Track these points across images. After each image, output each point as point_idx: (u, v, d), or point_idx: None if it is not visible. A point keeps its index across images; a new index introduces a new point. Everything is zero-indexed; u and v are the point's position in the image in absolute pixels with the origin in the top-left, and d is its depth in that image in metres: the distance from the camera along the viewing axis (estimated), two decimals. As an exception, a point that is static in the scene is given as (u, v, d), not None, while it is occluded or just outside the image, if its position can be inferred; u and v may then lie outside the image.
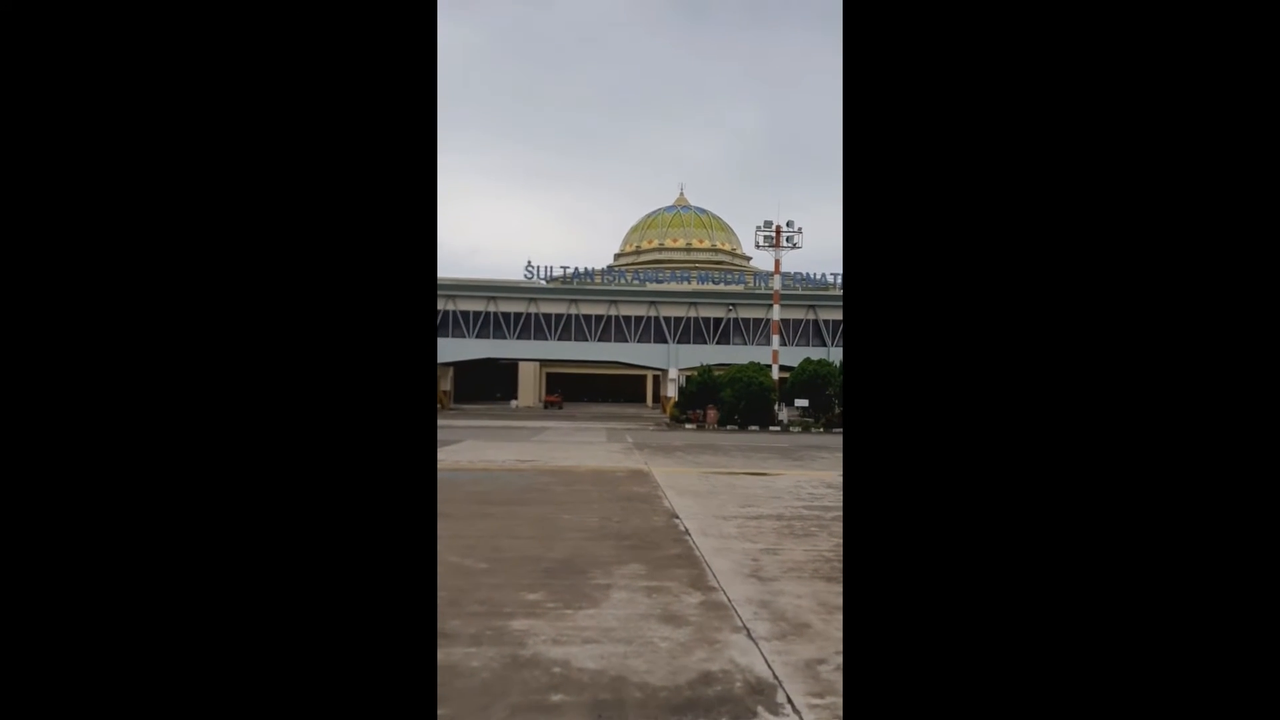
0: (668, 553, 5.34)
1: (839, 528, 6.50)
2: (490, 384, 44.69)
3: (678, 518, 6.80)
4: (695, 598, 4.14)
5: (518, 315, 33.64)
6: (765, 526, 6.50)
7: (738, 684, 2.90)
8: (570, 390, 48.74)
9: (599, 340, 33.90)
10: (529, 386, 45.47)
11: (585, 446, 15.29)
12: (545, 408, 42.40)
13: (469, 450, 13.74)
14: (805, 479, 10.21)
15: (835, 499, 8.29)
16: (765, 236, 27.21)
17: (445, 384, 36.35)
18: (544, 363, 45.48)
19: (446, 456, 12.32)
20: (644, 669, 3.03)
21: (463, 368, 38.35)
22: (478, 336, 33.60)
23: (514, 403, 43.38)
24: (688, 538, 5.89)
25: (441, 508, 6.91)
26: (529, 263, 35.14)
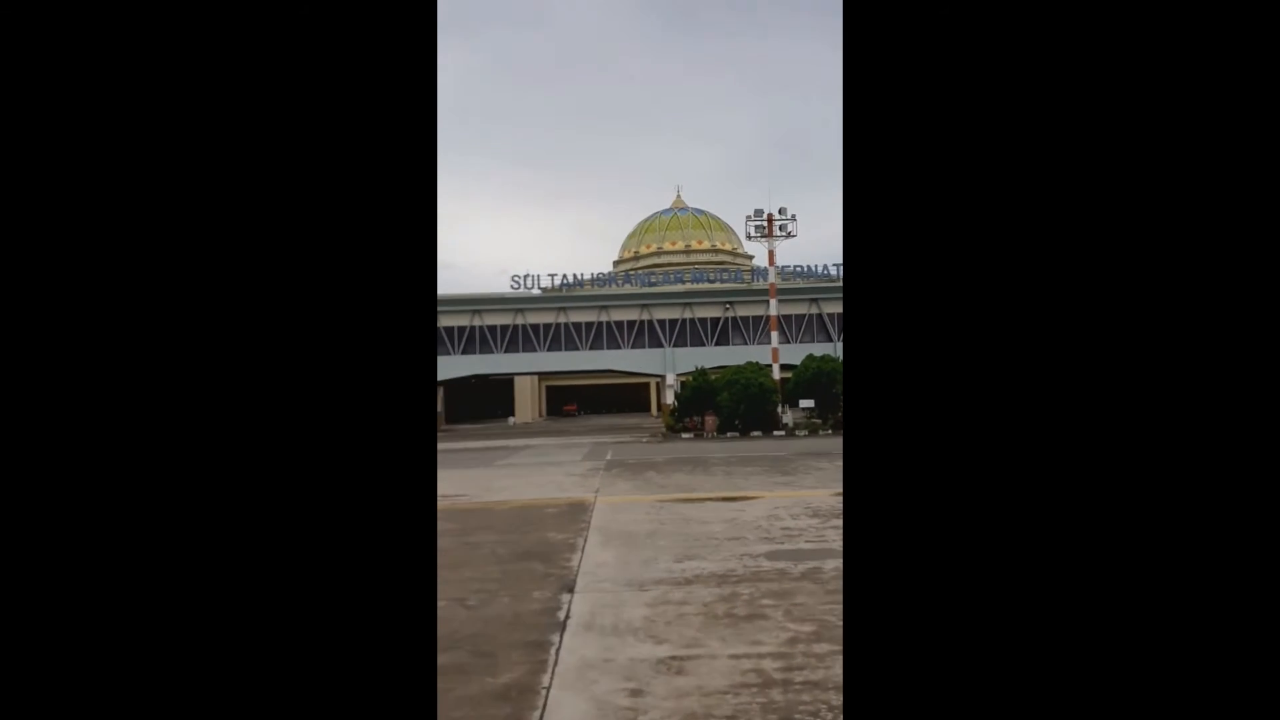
0: (493, 681, 3.19)
1: (807, 596, 4.31)
2: (486, 402, 42.77)
3: (571, 591, 4.65)
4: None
5: (504, 328, 31.66)
6: (694, 601, 4.32)
7: None
8: (575, 402, 47.05)
9: (590, 349, 31.79)
10: (526, 402, 43.50)
11: (548, 469, 13.18)
12: (564, 416, 43.05)
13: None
14: (787, 503, 7.98)
15: (815, 537, 6.07)
16: (757, 226, 24.96)
17: (437, 405, 34.67)
18: (542, 376, 43.57)
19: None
20: None
21: (455, 386, 36.49)
22: (464, 352, 31.70)
23: (512, 420, 41.42)
24: (556, 637, 3.73)
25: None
26: (513, 275, 32.93)
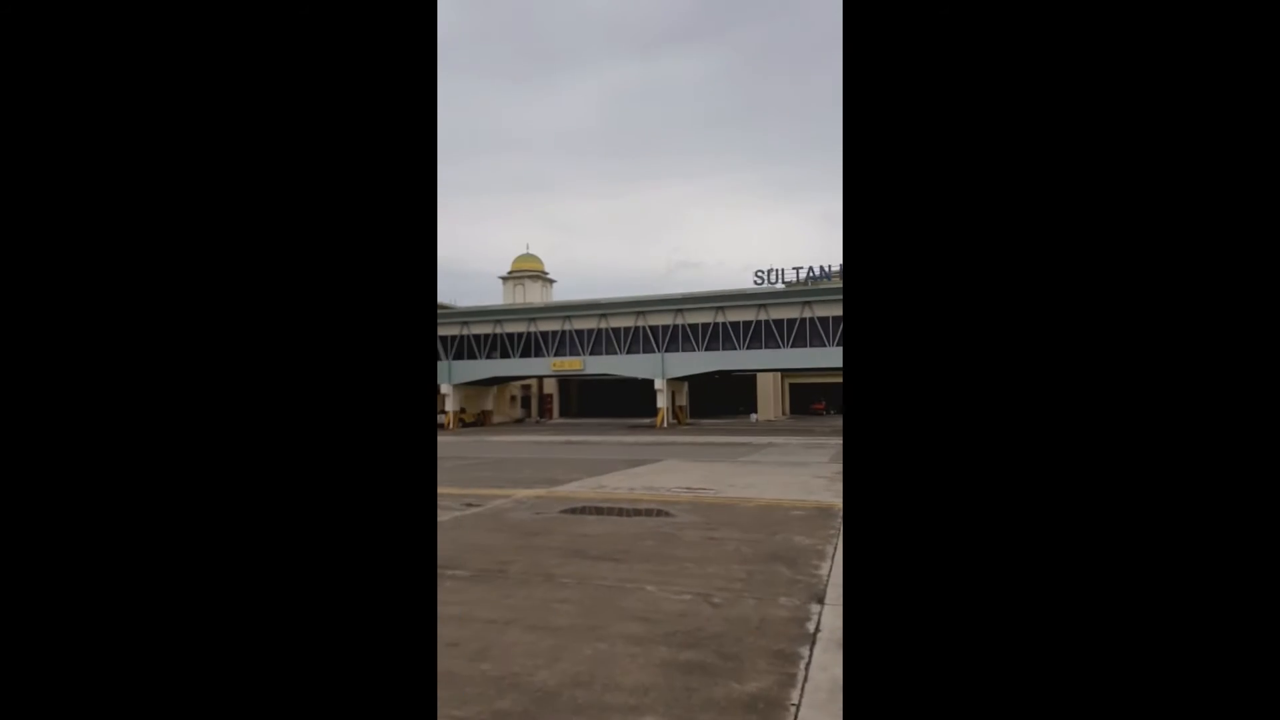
0: (739, 688, 3.05)
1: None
2: (728, 397, 43.33)
3: (821, 602, 4.36)
4: None
5: (747, 324, 31.75)
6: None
7: None
8: (823, 400, 45.73)
9: (837, 345, 30.43)
10: (768, 399, 43.11)
11: (791, 470, 12.83)
12: (810, 415, 43.06)
13: (652, 473, 12.23)
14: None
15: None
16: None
17: (681, 399, 35.96)
18: (785, 373, 42.90)
19: (617, 481, 10.93)
20: None
21: (698, 382, 37.54)
22: (707, 349, 32.43)
23: (754, 416, 41.43)
24: (805, 651, 3.49)
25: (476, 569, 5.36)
26: (756, 270, 32.91)
